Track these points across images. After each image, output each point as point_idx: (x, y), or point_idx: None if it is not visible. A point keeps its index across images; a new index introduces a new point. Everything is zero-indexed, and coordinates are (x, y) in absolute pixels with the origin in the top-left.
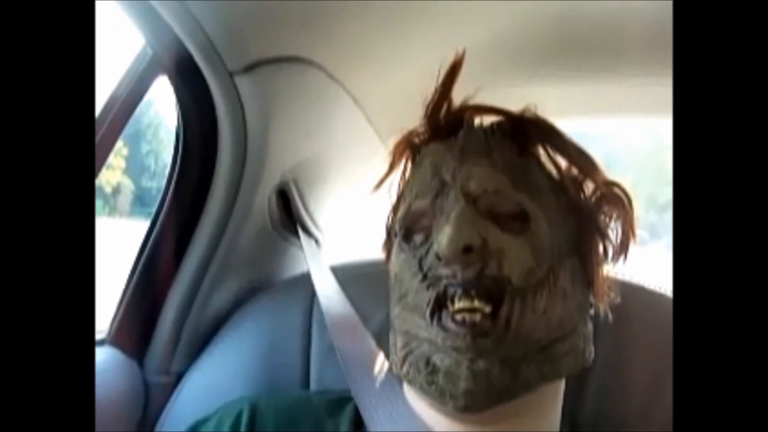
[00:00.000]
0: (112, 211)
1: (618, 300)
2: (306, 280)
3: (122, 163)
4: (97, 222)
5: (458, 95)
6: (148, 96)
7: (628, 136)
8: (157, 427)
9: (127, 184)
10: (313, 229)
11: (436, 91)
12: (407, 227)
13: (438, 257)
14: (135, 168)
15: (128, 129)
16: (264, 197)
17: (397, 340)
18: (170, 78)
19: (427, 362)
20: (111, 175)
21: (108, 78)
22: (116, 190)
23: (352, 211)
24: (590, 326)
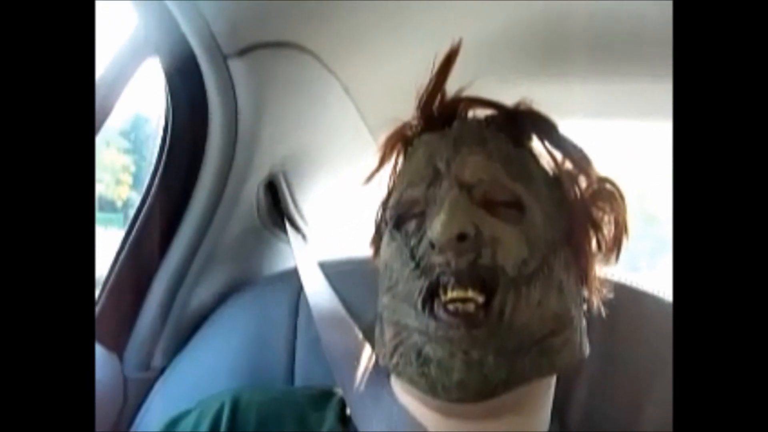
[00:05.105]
0: (126, 222)
1: (610, 296)
2: (292, 275)
3: (129, 180)
4: (114, 233)
5: (451, 88)
6: (145, 113)
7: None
8: (137, 423)
9: (136, 198)
10: (300, 223)
11: (430, 81)
12: (399, 215)
13: (432, 245)
14: (140, 181)
15: (130, 147)
16: (252, 188)
17: (385, 331)
18: (161, 59)
19: (419, 353)
20: (122, 190)
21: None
22: (126, 204)
23: (341, 206)
24: (584, 321)
